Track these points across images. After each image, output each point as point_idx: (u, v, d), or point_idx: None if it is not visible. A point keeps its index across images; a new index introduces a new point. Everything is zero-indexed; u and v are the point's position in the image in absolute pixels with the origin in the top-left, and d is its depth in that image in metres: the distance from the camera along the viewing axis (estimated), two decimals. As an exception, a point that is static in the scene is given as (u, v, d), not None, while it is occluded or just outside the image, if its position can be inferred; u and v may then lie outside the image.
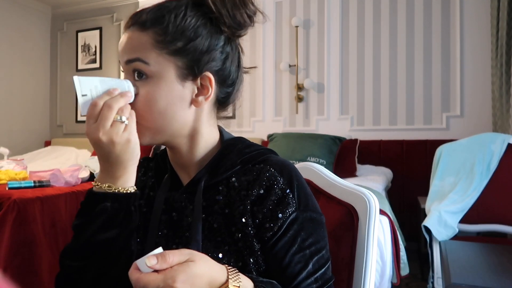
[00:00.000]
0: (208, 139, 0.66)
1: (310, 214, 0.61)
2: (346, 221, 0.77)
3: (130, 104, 0.58)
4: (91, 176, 2.66)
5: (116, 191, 0.57)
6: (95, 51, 4.49)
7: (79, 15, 4.61)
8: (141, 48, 0.58)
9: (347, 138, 3.09)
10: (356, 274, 0.73)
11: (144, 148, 3.55)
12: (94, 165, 2.75)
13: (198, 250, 0.57)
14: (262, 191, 0.60)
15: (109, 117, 0.54)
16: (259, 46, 3.62)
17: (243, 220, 0.59)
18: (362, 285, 0.71)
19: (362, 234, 0.74)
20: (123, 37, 0.61)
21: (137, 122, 0.58)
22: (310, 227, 0.60)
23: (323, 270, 0.59)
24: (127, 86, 0.58)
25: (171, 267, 0.44)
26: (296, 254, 0.58)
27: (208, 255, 0.59)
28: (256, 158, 0.64)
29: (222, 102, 0.67)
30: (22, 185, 2.12)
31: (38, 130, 4.63)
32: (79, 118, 4.58)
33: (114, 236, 0.57)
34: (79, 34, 4.59)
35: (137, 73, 0.59)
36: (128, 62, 0.59)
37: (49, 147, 4.18)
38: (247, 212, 0.59)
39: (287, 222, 0.58)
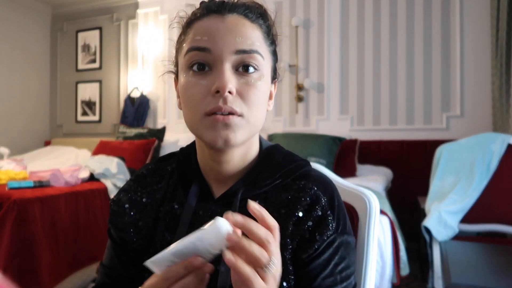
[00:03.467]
0: (256, 147, 0.63)
1: (346, 237, 0.59)
2: (346, 221, 0.76)
3: (241, 94, 0.53)
4: (91, 176, 2.66)
5: None
6: (95, 51, 4.49)
7: (79, 15, 4.61)
8: (257, 40, 0.54)
9: (347, 138, 3.09)
10: (356, 274, 0.73)
11: (144, 147, 3.52)
12: (94, 165, 2.75)
13: (227, 270, 0.53)
14: (304, 212, 0.57)
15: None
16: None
17: (283, 240, 0.55)
18: (362, 285, 0.71)
19: (362, 234, 0.74)
20: (226, 22, 0.53)
21: (245, 116, 0.53)
22: (344, 252, 0.58)
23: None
24: (216, 233, 0.42)
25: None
26: (327, 278, 0.56)
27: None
28: (295, 172, 0.61)
29: None
30: (22, 185, 2.12)
31: (38, 130, 4.63)
32: (79, 118, 4.59)
33: None
34: (79, 34, 4.59)
35: (246, 66, 0.53)
36: (242, 52, 0.53)
37: (49, 147, 4.18)
38: (287, 234, 0.56)
39: (324, 244, 0.56)
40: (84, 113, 4.56)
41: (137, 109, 4.05)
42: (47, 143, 4.55)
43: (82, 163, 2.82)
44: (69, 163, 3.57)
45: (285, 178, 0.60)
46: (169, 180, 0.64)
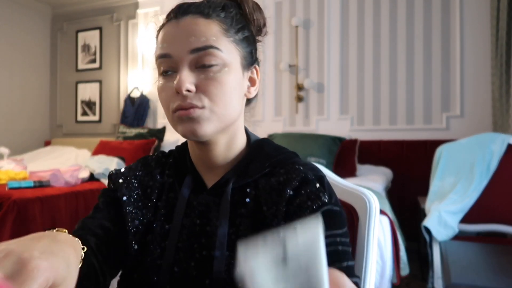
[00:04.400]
0: (242, 138, 0.66)
1: (340, 209, 0.60)
2: (346, 221, 0.77)
3: (201, 88, 0.55)
4: (91, 176, 2.66)
5: None
6: (95, 51, 4.49)
7: (79, 15, 4.61)
8: (211, 35, 0.56)
9: (347, 138, 3.09)
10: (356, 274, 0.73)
11: (144, 147, 3.53)
12: (94, 165, 2.75)
13: (222, 255, 0.56)
14: (294, 189, 0.58)
15: None
16: (259, 46, 3.61)
17: (276, 221, 0.57)
18: (362, 285, 0.71)
19: (362, 234, 0.74)
20: (180, 26, 0.57)
21: (209, 108, 0.56)
22: (340, 221, 0.58)
23: (351, 263, 0.56)
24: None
25: None
26: (327, 238, 0.55)
27: (232, 260, 0.56)
28: (284, 162, 0.63)
29: (250, 100, 0.68)
30: (22, 185, 2.12)
31: (38, 130, 4.63)
32: (79, 118, 4.59)
33: None
34: (79, 34, 4.59)
35: (205, 63, 0.56)
36: (197, 50, 0.55)
37: (49, 147, 4.18)
38: (280, 213, 0.57)
39: (319, 212, 0.56)
40: (84, 113, 4.56)
41: (137, 109, 4.05)
42: (47, 143, 4.55)
43: (82, 163, 2.82)
44: (69, 163, 3.57)
45: (274, 168, 0.62)
46: (168, 172, 0.68)
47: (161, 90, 0.59)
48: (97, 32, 4.48)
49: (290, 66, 3.47)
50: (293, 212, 0.57)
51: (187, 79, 0.55)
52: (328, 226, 0.56)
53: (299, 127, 3.49)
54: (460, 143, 2.13)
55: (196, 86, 0.56)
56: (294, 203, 0.57)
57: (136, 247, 0.61)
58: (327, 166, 2.70)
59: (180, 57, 0.56)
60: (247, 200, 0.60)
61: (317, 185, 0.58)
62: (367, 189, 0.78)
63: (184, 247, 0.60)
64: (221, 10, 0.59)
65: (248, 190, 0.61)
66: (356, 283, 0.51)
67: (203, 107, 0.56)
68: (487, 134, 2.10)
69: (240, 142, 0.65)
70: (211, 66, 0.56)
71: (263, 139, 0.68)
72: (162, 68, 0.59)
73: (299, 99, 3.47)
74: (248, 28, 0.63)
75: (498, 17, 2.71)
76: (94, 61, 4.50)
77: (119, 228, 0.62)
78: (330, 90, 3.40)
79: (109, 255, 0.59)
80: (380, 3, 3.25)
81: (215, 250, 0.57)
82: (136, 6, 4.25)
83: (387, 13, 3.24)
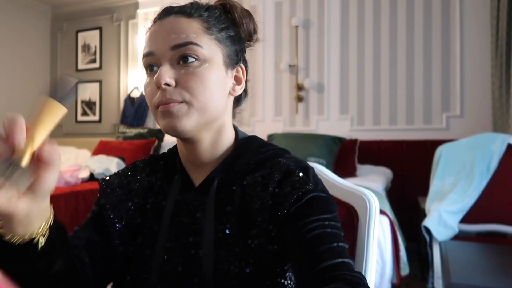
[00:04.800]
0: (229, 136, 0.66)
1: (327, 196, 0.59)
2: (346, 221, 0.76)
3: (181, 83, 0.57)
4: (91, 176, 2.66)
5: None
6: (95, 51, 4.49)
7: (79, 15, 4.61)
8: (192, 32, 0.58)
9: (347, 138, 3.09)
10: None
11: (144, 147, 3.53)
12: (94, 165, 2.76)
13: (209, 252, 0.57)
14: (278, 183, 0.59)
15: None
16: (259, 46, 3.60)
17: (261, 217, 0.58)
18: (362, 285, 0.71)
19: (362, 234, 0.74)
20: (162, 25, 0.59)
21: (188, 102, 0.57)
22: (327, 206, 0.58)
23: (343, 244, 0.55)
24: None
25: None
26: (317, 230, 0.54)
27: (219, 257, 0.57)
28: (270, 158, 0.63)
29: (239, 99, 0.70)
30: (22, 185, 2.11)
31: (38, 130, 4.63)
32: (79, 118, 4.59)
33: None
34: (79, 34, 4.59)
35: (184, 58, 0.57)
36: (177, 46, 0.57)
37: (49, 147, 4.17)
38: (266, 209, 0.58)
39: (305, 198, 0.56)
40: (84, 113, 4.56)
41: (137, 109, 4.05)
42: (47, 143, 4.54)
43: (82, 163, 2.82)
44: (69, 163, 3.57)
45: (260, 164, 0.63)
46: (158, 174, 0.69)
47: (145, 86, 0.61)
48: (97, 32, 4.48)
49: (290, 66, 3.47)
50: (278, 203, 0.57)
51: (166, 73, 0.56)
52: (314, 212, 0.56)
53: (299, 127, 3.49)
54: (460, 143, 2.13)
55: (176, 81, 0.57)
56: (279, 195, 0.58)
57: (121, 248, 0.63)
58: (327, 166, 2.70)
59: (162, 54, 0.58)
60: (233, 197, 0.61)
61: (301, 174, 0.59)
62: (367, 189, 0.78)
63: (173, 246, 0.60)
64: (205, 11, 0.62)
65: (234, 187, 0.61)
66: (349, 264, 0.51)
67: (182, 102, 0.57)
68: (487, 134, 2.10)
69: (227, 140, 0.65)
70: (191, 61, 0.57)
71: (251, 136, 0.69)
72: (146, 65, 0.61)
73: (299, 99, 3.47)
74: (234, 29, 0.64)
75: (498, 17, 2.71)
76: (94, 61, 4.50)
77: (105, 238, 0.64)
78: (330, 90, 3.40)
79: (97, 261, 0.61)
80: (380, 3, 3.25)
81: (202, 249, 0.57)
82: (136, 6, 4.25)
83: (387, 13, 3.24)
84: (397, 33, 3.20)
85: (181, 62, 0.58)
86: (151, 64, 0.60)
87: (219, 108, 0.61)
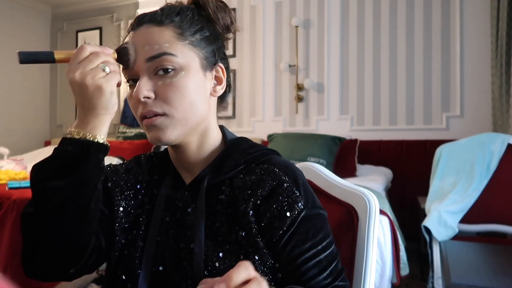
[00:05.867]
0: (215, 137, 0.67)
1: (317, 210, 0.61)
2: (346, 221, 0.77)
3: (160, 95, 0.58)
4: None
5: (80, 137, 0.53)
6: (95, 51, 4.49)
7: (79, 15, 4.61)
8: (164, 42, 0.58)
9: (347, 138, 3.08)
10: (356, 274, 0.73)
11: (144, 147, 3.54)
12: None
13: (200, 249, 0.58)
14: (268, 191, 0.60)
15: (93, 61, 0.53)
16: (259, 46, 3.61)
17: (247, 219, 0.59)
18: (362, 285, 0.71)
19: (362, 234, 0.74)
20: (136, 36, 0.60)
21: (169, 115, 0.58)
22: (319, 223, 0.61)
23: (335, 263, 0.60)
24: None
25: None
26: (310, 250, 0.58)
27: (209, 253, 0.58)
28: (259, 159, 0.65)
29: (223, 97, 0.70)
30: (22, 185, 2.11)
31: (38, 130, 4.63)
32: (79, 118, 4.59)
33: (61, 185, 0.51)
34: (79, 34, 4.59)
35: (162, 70, 0.58)
36: (152, 59, 0.58)
37: (49, 147, 4.18)
38: (250, 211, 0.59)
39: (298, 220, 0.59)
40: (84, 113, 4.56)
41: (137, 109, 4.05)
42: (47, 143, 4.55)
43: (82, 163, 2.81)
44: (69, 163, 3.56)
45: (248, 164, 0.64)
46: (156, 169, 0.71)
47: (129, 99, 0.62)
48: (97, 32, 4.48)
49: (290, 66, 3.47)
50: (268, 224, 0.59)
51: (144, 87, 0.57)
52: (308, 237, 0.59)
53: (299, 127, 3.49)
54: (460, 143, 2.13)
55: (155, 93, 0.58)
56: (268, 204, 0.59)
57: (119, 236, 0.64)
58: (327, 166, 2.70)
59: (139, 67, 0.59)
60: (222, 197, 0.62)
61: (293, 189, 0.60)
62: (367, 189, 0.78)
63: (163, 241, 0.62)
64: (176, 15, 0.61)
65: (223, 188, 0.63)
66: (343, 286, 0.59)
67: (163, 114, 0.58)
68: (487, 134, 2.10)
69: (213, 141, 0.67)
70: (167, 72, 0.58)
71: (240, 138, 0.69)
72: (126, 78, 0.62)
73: (299, 99, 3.47)
74: (208, 28, 0.64)
75: (498, 17, 2.71)
76: (94, 61, 4.50)
77: (112, 215, 0.65)
78: (330, 90, 3.40)
79: (108, 233, 0.64)
80: (380, 3, 3.25)
81: (194, 245, 0.59)
82: (136, 6, 4.25)
83: (387, 13, 3.24)
84: (397, 33, 3.20)
85: (158, 73, 0.58)
86: (131, 78, 0.61)
87: (201, 113, 0.62)
